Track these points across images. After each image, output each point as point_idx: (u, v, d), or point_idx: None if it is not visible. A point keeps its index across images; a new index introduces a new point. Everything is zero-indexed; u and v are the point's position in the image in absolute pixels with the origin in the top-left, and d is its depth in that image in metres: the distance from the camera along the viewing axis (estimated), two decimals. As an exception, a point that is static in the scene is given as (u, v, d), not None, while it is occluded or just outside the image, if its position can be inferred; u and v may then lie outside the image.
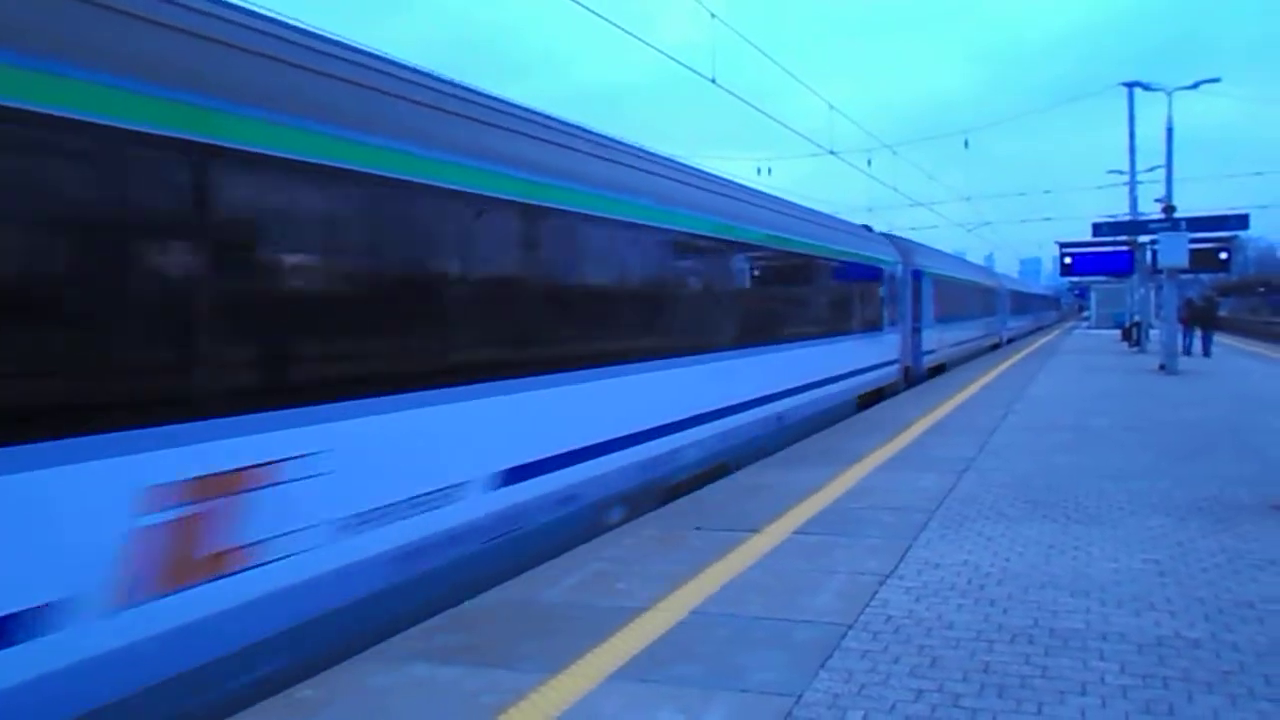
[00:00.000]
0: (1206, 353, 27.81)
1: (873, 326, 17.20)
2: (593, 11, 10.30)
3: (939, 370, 23.63)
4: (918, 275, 21.14)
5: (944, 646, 4.63)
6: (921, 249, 23.82)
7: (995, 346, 37.33)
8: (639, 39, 12.35)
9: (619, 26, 11.89)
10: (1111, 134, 42.84)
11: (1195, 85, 30.37)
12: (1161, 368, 22.13)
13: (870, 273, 17.21)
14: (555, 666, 4.42)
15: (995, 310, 38.66)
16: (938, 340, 23.56)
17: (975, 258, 64.85)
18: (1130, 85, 31.78)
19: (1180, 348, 23.56)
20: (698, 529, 7.12)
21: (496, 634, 4.89)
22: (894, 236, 22.30)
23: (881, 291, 18.01)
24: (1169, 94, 30.49)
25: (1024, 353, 32.78)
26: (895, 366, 19.03)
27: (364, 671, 4.40)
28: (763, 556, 6.32)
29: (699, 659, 4.50)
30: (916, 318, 20.88)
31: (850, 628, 4.90)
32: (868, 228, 20.36)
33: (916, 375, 20.69)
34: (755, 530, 7.04)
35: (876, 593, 5.50)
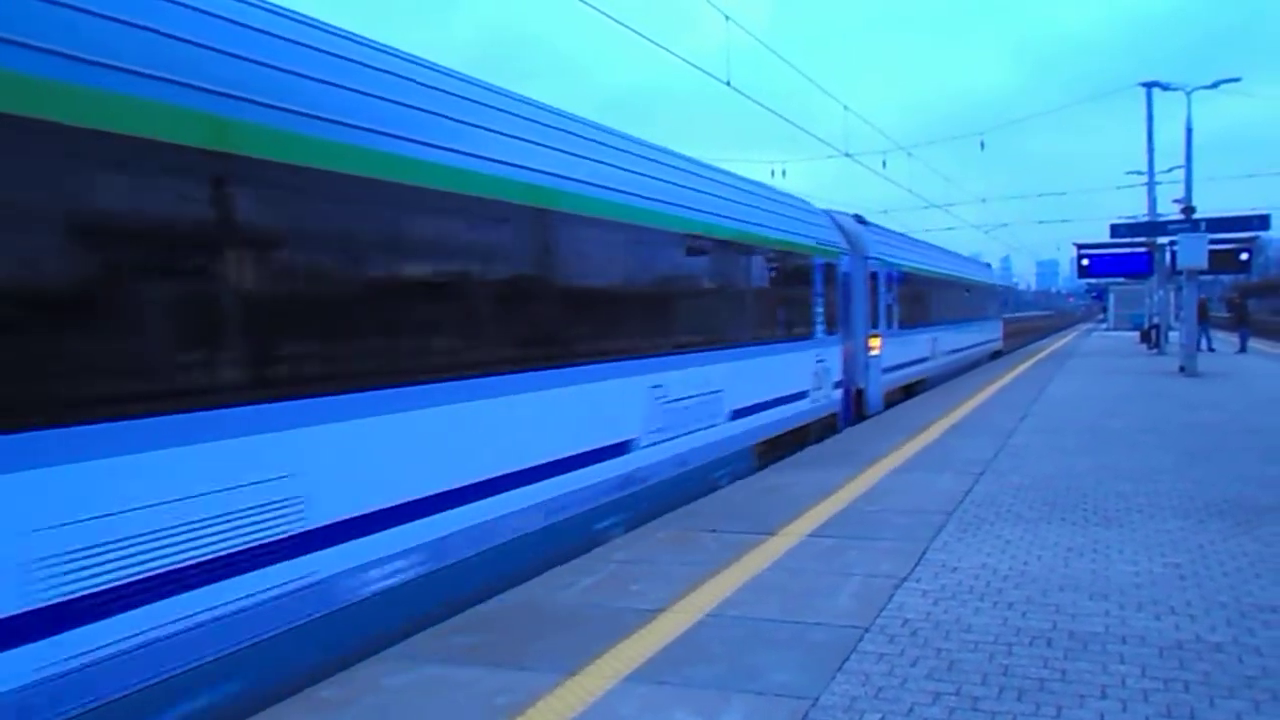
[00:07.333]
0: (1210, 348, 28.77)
1: (793, 338, 12.31)
2: (615, 20, 10.35)
3: (911, 390, 19.21)
4: (873, 267, 16.20)
5: (962, 650, 4.61)
6: (880, 233, 18.52)
7: (995, 355, 33.82)
8: (655, 43, 12.37)
9: (638, 33, 11.90)
10: (1132, 134, 42.44)
11: (1215, 85, 30.17)
12: (1181, 369, 21.98)
13: (791, 261, 12.33)
14: (570, 668, 4.43)
15: (990, 313, 33.80)
16: (906, 353, 18.87)
17: (991, 260, 63.81)
18: (1149, 85, 31.57)
19: (1197, 346, 23.45)
20: (713, 531, 7.11)
21: (512, 635, 4.90)
22: (838, 214, 16.64)
23: (815, 289, 13.16)
24: (1188, 94, 30.31)
25: (1038, 356, 32.57)
26: (836, 394, 14.21)
27: (382, 672, 4.42)
28: (778, 559, 6.30)
29: (714, 661, 4.49)
30: (873, 324, 16.22)
31: (867, 631, 4.88)
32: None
33: (873, 401, 16.05)
34: (770, 532, 7.02)
35: (893, 596, 5.47)
